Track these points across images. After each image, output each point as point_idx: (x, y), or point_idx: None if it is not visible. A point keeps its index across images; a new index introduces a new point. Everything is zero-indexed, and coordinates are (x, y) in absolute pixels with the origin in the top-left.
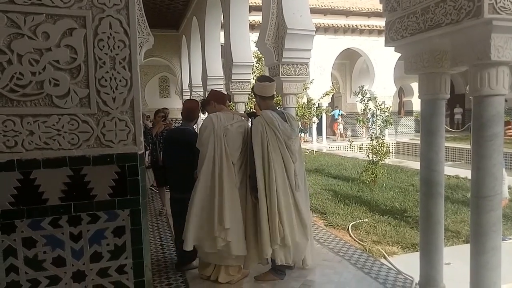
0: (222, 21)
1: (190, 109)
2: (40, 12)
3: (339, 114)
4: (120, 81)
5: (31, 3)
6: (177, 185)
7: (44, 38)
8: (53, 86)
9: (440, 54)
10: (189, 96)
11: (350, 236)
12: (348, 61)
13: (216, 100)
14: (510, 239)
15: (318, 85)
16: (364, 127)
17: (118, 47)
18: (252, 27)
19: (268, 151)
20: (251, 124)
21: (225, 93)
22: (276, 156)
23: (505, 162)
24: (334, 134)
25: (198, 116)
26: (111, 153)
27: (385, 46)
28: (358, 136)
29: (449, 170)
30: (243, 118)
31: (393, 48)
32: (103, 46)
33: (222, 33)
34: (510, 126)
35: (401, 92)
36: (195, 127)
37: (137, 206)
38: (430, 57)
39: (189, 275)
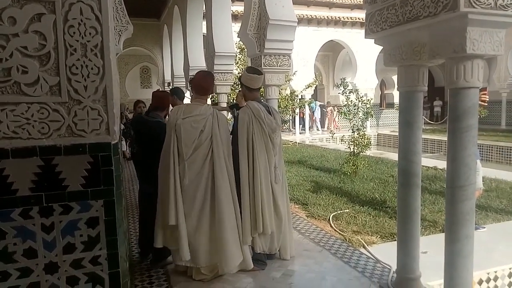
0: (204, 11)
1: (160, 97)
2: None
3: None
4: (92, 69)
5: None
6: (145, 177)
7: (11, 23)
8: (21, 74)
9: (418, 46)
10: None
11: (331, 226)
12: (331, 53)
13: (193, 89)
14: (484, 228)
15: (301, 76)
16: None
17: (90, 33)
18: (235, 17)
19: (253, 142)
20: (236, 115)
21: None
22: (260, 148)
23: (480, 154)
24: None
25: (169, 105)
26: (84, 143)
27: (365, 38)
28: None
29: (428, 161)
30: (212, 109)
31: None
32: (74, 33)
33: (204, 23)
34: (485, 92)
35: (383, 84)
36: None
37: (111, 197)
38: (409, 50)
39: (170, 267)
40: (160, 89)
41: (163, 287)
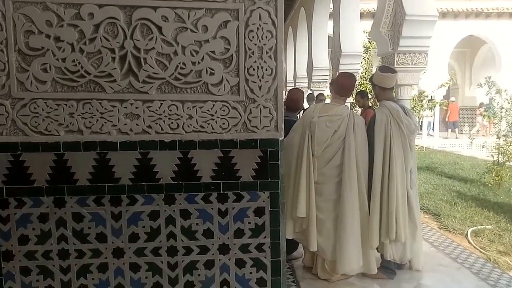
0: (331, 10)
1: (295, 100)
2: (201, 7)
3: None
4: (266, 70)
5: None
6: None
7: (203, 30)
8: (209, 75)
9: None
10: (293, 86)
11: (469, 242)
12: (469, 49)
13: (334, 89)
14: None
15: (432, 75)
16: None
17: (266, 37)
18: (360, 15)
19: (390, 145)
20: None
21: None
22: (398, 150)
23: None
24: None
25: (302, 106)
26: (256, 138)
27: None
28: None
29: None
30: (349, 111)
31: None
32: (253, 37)
33: (329, 23)
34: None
35: None
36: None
37: (276, 189)
38: None
39: (295, 262)
40: (295, 88)
41: (289, 280)
